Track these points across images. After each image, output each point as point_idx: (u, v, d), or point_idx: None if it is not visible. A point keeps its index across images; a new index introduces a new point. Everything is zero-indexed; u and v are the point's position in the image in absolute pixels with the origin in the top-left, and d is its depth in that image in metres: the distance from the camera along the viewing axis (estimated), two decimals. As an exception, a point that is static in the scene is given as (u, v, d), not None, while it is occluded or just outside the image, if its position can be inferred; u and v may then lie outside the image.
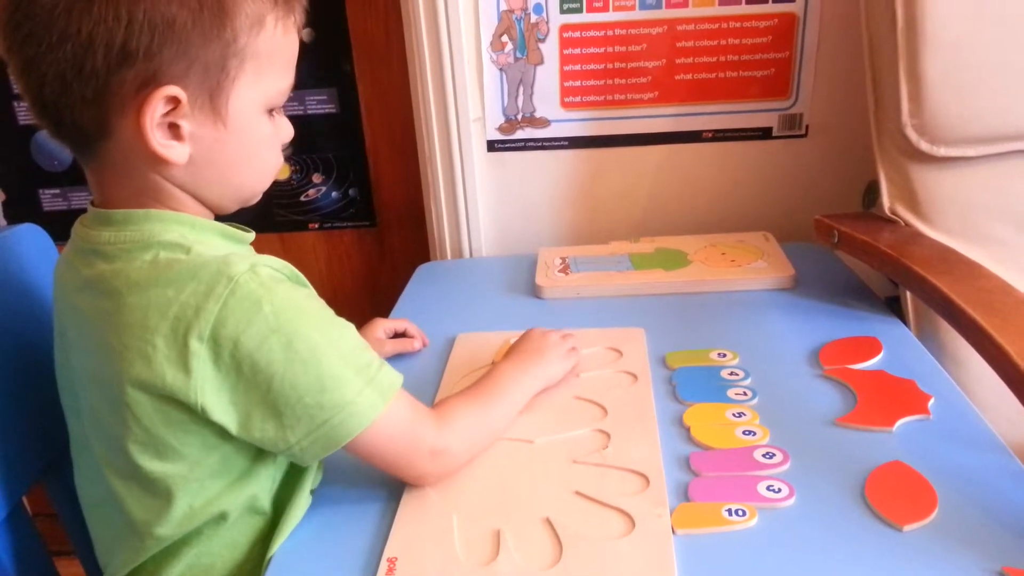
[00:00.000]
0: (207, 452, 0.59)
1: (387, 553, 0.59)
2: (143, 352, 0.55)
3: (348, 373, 0.58)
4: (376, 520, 0.64)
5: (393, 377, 0.61)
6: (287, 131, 0.65)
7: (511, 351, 0.80)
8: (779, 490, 0.63)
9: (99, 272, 0.59)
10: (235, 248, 0.62)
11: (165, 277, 0.56)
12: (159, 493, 0.60)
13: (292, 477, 0.65)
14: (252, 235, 0.65)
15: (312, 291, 0.62)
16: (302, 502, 0.65)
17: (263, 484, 0.63)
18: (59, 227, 0.83)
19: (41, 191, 1.34)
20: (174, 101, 0.55)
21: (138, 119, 0.55)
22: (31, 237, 0.80)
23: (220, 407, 0.56)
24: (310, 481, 0.66)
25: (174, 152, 0.57)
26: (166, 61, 0.54)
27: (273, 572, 0.61)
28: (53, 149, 1.31)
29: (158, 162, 0.57)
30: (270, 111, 0.61)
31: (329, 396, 0.57)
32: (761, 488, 0.63)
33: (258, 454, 0.62)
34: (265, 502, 0.64)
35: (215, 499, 0.61)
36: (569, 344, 0.82)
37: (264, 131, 0.61)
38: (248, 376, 0.56)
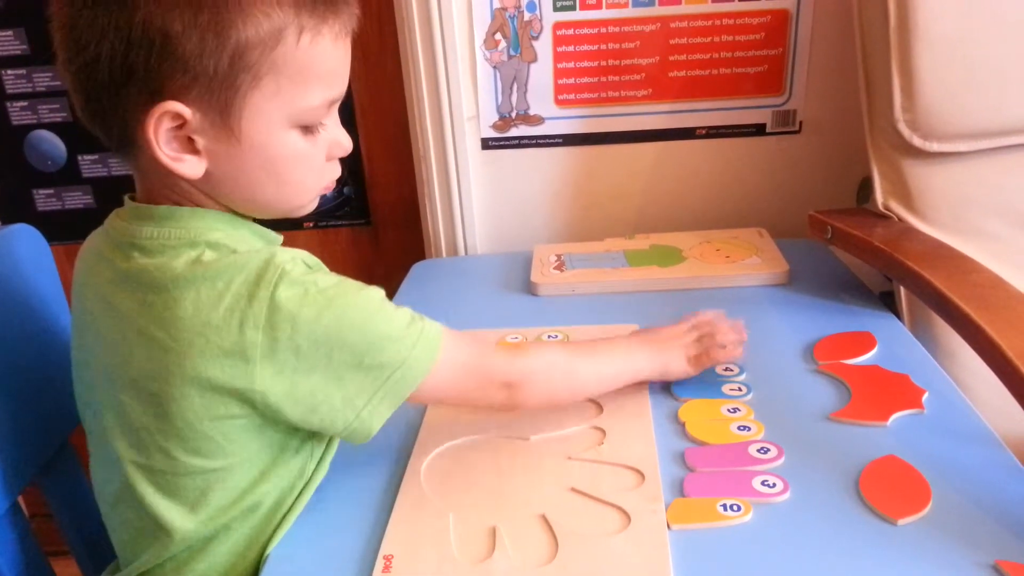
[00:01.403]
0: (246, 446, 0.60)
1: (383, 550, 0.59)
2: (197, 346, 0.55)
3: (399, 331, 0.60)
4: (372, 517, 0.64)
5: (436, 326, 0.63)
6: (340, 147, 0.63)
7: (636, 332, 0.81)
8: (774, 485, 0.63)
9: (140, 266, 0.58)
10: (271, 247, 0.62)
11: (213, 271, 0.56)
12: (192, 489, 0.60)
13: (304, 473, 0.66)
14: (280, 238, 0.65)
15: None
16: (306, 498, 0.65)
17: (291, 477, 0.64)
18: (53, 227, 0.83)
19: (35, 191, 1.33)
20: (180, 117, 0.55)
21: (147, 133, 0.55)
22: (25, 237, 0.80)
23: (281, 392, 0.57)
24: (321, 474, 0.66)
25: (186, 166, 0.57)
26: (166, 76, 0.53)
27: (269, 570, 0.61)
28: (47, 149, 1.31)
29: (175, 173, 0.57)
30: (304, 126, 0.59)
31: (388, 355, 0.59)
32: (756, 483, 0.64)
33: (299, 445, 0.63)
34: (290, 497, 0.64)
35: (247, 492, 0.61)
36: (699, 334, 0.78)
37: (291, 148, 0.59)
38: (308, 353, 0.56)
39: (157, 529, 0.61)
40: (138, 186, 0.62)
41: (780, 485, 0.63)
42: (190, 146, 0.56)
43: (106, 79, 0.54)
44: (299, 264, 0.58)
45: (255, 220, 0.64)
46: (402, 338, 0.60)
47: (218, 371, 0.56)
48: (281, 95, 0.57)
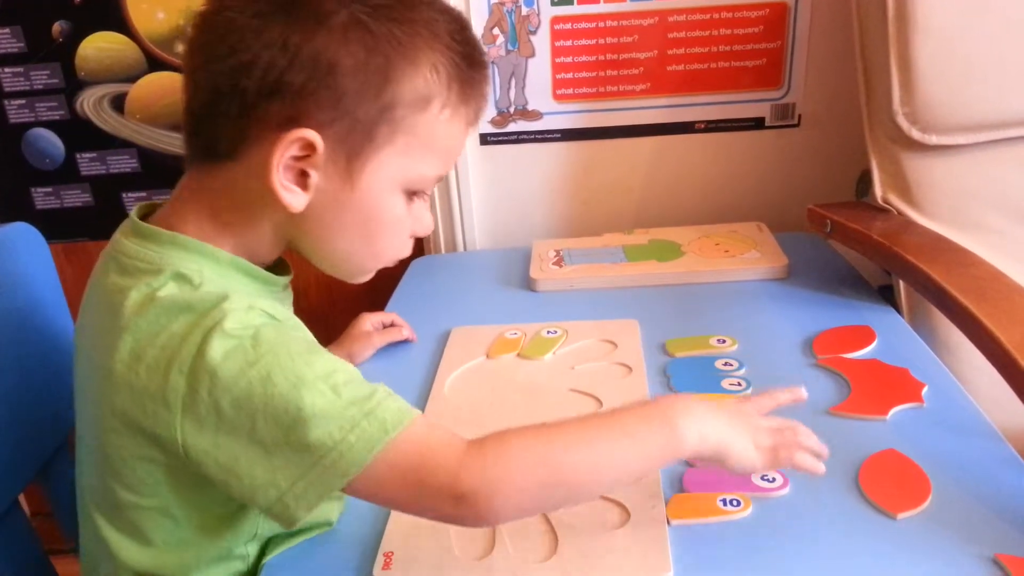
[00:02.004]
0: (181, 495, 0.56)
1: (383, 547, 0.60)
2: (128, 380, 0.52)
3: (339, 407, 0.50)
4: (372, 514, 0.64)
5: (400, 410, 0.52)
6: (423, 225, 0.62)
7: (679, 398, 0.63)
8: (773, 479, 0.64)
9: (111, 285, 0.56)
10: (254, 287, 0.58)
11: (162, 305, 0.53)
12: (128, 521, 0.58)
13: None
14: (283, 280, 0.62)
15: (307, 336, 0.57)
16: (290, 543, 0.62)
17: (245, 534, 0.60)
18: (51, 226, 0.83)
19: (33, 190, 1.33)
20: (310, 147, 0.53)
21: (270, 153, 0.53)
22: (23, 236, 0.80)
23: (202, 449, 0.51)
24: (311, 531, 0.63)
25: (293, 197, 0.54)
26: (315, 105, 0.52)
27: (270, 568, 0.61)
28: (45, 147, 1.31)
29: (271, 202, 0.55)
30: (410, 194, 0.59)
31: (316, 435, 0.50)
32: (755, 478, 0.64)
33: (240, 505, 0.58)
34: (243, 548, 0.61)
35: (192, 539, 0.59)
36: (781, 437, 0.58)
37: (393, 211, 0.58)
38: (229, 414, 0.50)
39: (107, 558, 0.60)
40: (169, 206, 0.59)
41: (779, 479, 0.63)
42: (301, 180, 0.55)
43: (252, 87, 0.52)
44: (251, 314, 0.52)
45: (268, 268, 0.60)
46: (336, 418, 0.50)
47: (141, 412, 0.52)
48: (407, 158, 0.56)
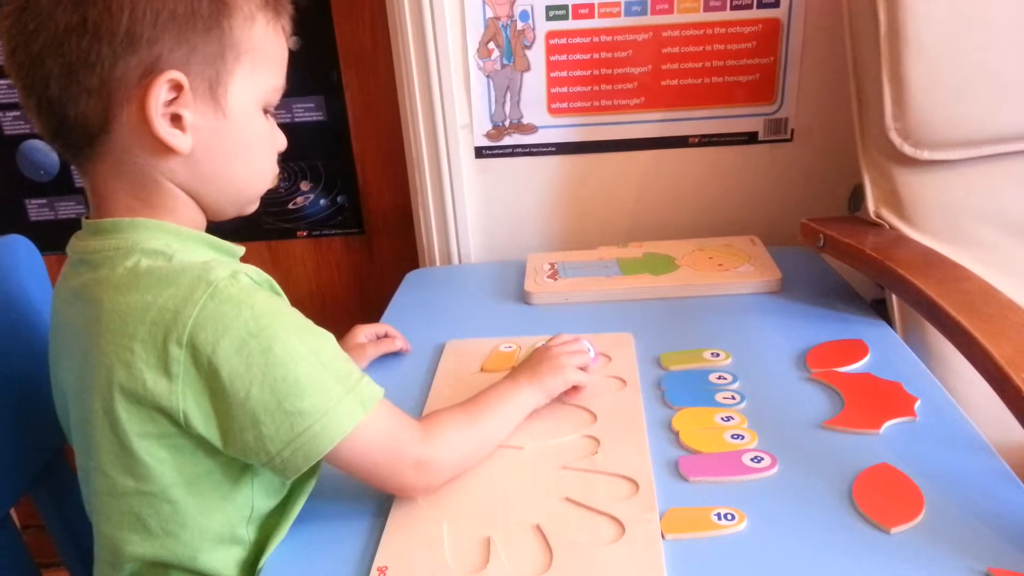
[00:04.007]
0: (181, 471, 0.58)
1: (377, 562, 0.59)
2: (123, 359, 0.55)
3: (328, 380, 0.57)
4: (366, 528, 0.64)
5: (375, 388, 0.61)
6: (281, 139, 0.66)
7: (512, 368, 0.78)
8: (761, 460, 0.67)
9: (85, 281, 0.59)
10: (223, 257, 0.62)
11: (145, 283, 0.56)
12: (127, 513, 0.59)
13: (276, 501, 0.65)
14: (242, 250, 0.65)
15: (287, 303, 0.61)
16: (285, 527, 0.63)
17: (240, 511, 0.62)
18: (45, 237, 0.83)
19: (27, 201, 1.33)
20: (177, 88, 0.56)
21: (142, 107, 0.55)
22: (17, 247, 0.80)
23: (201, 415, 0.55)
24: (297, 505, 0.64)
25: (179, 140, 0.57)
26: (168, 47, 0.55)
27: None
28: (39, 159, 1.31)
29: (160, 153, 0.57)
30: (265, 111, 0.63)
31: (309, 402, 0.56)
32: (745, 459, 0.68)
33: (237, 477, 0.61)
34: (242, 530, 0.62)
35: (190, 521, 0.60)
36: (574, 357, 0.78)
37: (261, 128, 0.62)
38: (227, 382, 0.54)
39: (108, 550, 0.61)
40: (92, 200, 0.62)
41: (767, 460, 0.67)
42: (176, 123, 0.57)
43: (103, 52, 0.54)
44: (238, 281, 0.56)
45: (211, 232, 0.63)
46: (329, 388, 0.57)
47: (143, 385, 0.54)
48: (255, 75, 0.60)
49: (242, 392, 0.55)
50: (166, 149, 0.57)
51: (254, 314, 0.55)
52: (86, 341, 0.57)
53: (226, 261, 0.59)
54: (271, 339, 0.55)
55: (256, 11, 0.59)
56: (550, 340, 0.82)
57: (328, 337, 0.60)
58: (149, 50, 0.54)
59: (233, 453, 0.57)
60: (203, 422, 0.56)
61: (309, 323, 0.60)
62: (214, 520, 0.61)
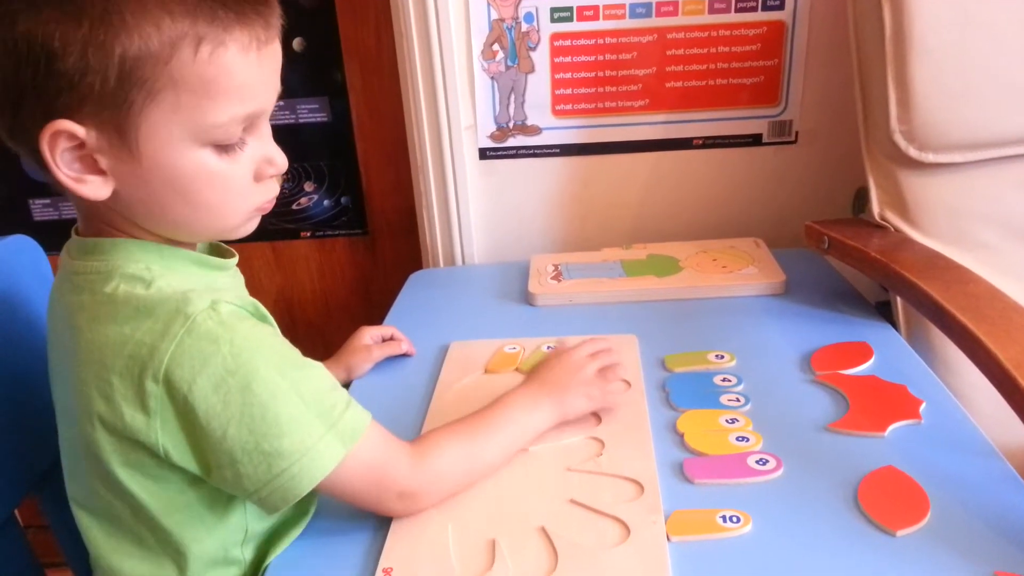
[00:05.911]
0: (169, 499, 0.58)
1: (382, 564, 0.59)
2: (103, 391, 0.54)
3: (308, 417, 0.55)
4: (371, 530, 0.64)
5: (359, 419, 0.58)
6: (268, 164, 0.58)
7: (531, 373, 0.75)
8: (767, 462, 0.67)
9: (69, 303, 0.57)
10: (210, 276, 0.60)
11: (123, 314, 0.54)
12: (120, 528, 0.59)
13: (272, 523, 0.64)
14: (234, 258, 0.63)
15: (276, 330, 0.59)
16: (281, 548, 0.63)
17: (233, 535, 0.61)
18: (50, 237, 0.83)
19: (31, 201, 1.33)
20: (74, 137, 0.51)
21: (44, 154, 0.51)
22: (22, 247, 0.80)
23: (179, 450, 0.54)
24: (297, 528, 0.64)
25: (89, 188, 0.53)
26: (54, 94, 0.50)
27: (268, 583, 0.61)
28: (43, 159, 1.31)
29: (88, 195, 0.53)
30: (218, 145, 0.54)
31: (288, 441, 0.54)
32: (750, 461, 0.67)
33: (228, 501, 0.60)
34: (237, 551, 0.62)
35: (181, 545, 0.59)
36: (599, 365, 0.74)
37: (203, 168, 0.54)
38: (203, 421, 0.53)
39: (97, 567, 0.61)
40: (77, 215, 0.60)
41: (772, 462, 0.67)
42: (94, 167, 0.53)
43: (3, 99, 0.51)
44: (218, 312, 0.53)
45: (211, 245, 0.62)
46: (309, 426, 0.55)
47: (122, 420, 0.53)
48: (183, 111, 0.52)
49: (219, 431, 0.53)
50: (77, 193, 0.53)
51: (232, 350, 0.53)
52: (69, 367, 0.56)
53: (205, 290, 0.56)
54: (250, 376, 0.53)
55: (179, 39, 0.50)
56: (557, 353, 0.76)
57: (312, 368, 0.58)
58: (37, 98, 0.50)
59: (216, 485, 0.56)
60: (182, 456, 0.54)
61: (293, 354, 0.57)
62: (207, 543, 0.60)
